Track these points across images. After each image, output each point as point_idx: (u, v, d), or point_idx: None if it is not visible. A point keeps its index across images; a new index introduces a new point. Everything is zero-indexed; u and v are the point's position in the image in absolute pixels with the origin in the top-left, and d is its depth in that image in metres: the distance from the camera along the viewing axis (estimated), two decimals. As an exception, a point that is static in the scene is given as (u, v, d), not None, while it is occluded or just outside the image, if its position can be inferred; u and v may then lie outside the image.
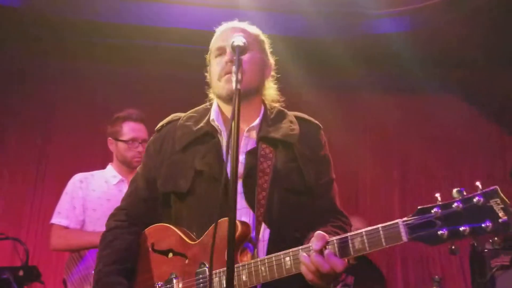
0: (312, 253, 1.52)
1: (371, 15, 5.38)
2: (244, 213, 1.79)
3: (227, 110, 1.98)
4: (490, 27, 5.11)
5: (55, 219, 3.25)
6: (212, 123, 1.94)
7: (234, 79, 1.58)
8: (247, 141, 1.91)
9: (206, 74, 2.10)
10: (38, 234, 5.39)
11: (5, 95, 5.81)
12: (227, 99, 1.91)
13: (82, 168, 3.53)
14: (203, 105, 2.11)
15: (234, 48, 1.66)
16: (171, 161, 1.94)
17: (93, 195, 3.29)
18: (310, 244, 1.55)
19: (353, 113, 6.17)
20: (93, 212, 3.25)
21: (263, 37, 2.07)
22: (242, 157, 1.87)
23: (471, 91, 6.06)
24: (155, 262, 1.88)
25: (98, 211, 3.26)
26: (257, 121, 1.94)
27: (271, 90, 2.07)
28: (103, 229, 3.13)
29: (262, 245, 1.77)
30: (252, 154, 1.87)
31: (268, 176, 1.83)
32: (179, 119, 2.05)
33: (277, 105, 2.08)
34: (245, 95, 1.83)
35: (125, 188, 3.34)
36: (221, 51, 1.95)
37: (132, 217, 2.01)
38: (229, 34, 1.94)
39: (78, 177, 3.37)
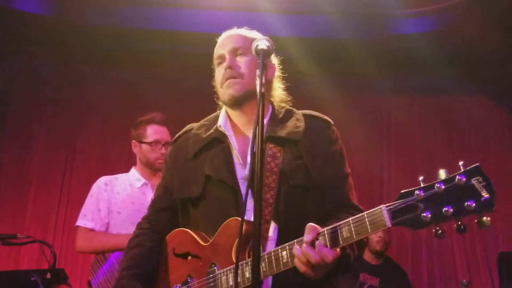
0: (303, 245, 1.54)
1: (392, 16, 5.33)
2: (252, 214, 1.78)
3: (234, 114, 2.03)
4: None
5: (81, 222, 3.29)
6: (220, 128, 1.99)
7: (258, 82, 1.60)
8: (254, 142, 1.91)
9: (213, 83, 2.14)
10: (65, 237, 5.48)
11: (33, 102, 5.94)
12: (230, 104, 1.97)
13: (107, 173, 3.56)
14: (213, 114, 2.16)
15: (258, 52, 1.68)
16: (184, 168, 2.01)
17: (117, 198, 3.32)
18: (304, 237, 1.57)
19: (376, 115, 6.12)
20: (118, 215, 3.28)
21: None
22: (249, 158, 1.88)
23: (496, 91, 5.95)
24: (174, 266, 1.94)
25: (122, 214, 3.28)
26: (265, 121, 1.95)
27: (278, 91, 2.09)
28: (128, 231, 3.17)
29: (271, 243, 1.78)
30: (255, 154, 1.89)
31: (275, 175, 1.85)
32: (192, 129, 2.12)
33: (285, 104, 2.08)
34: (245, 99, 1.93)
35: (148, 191, 3.40)
36: (221, 59, 2.01)
37: (153, 225, 2.09)
38: (226, 41, 2.03)
39: (103, 180, 3.40)
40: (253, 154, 1.52)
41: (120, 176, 3.48)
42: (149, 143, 3.38)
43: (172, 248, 1.97)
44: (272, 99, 2.08)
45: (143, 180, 3.41)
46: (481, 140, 5.98)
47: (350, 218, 1.47)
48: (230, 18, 5.19)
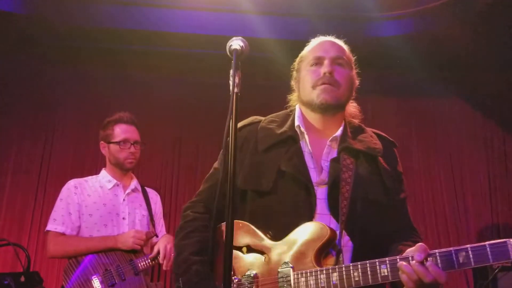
0: (414, 263, 1.57)
1: (370, 18, 5.39)
2: (324, 219, 1.83)
3: (312, 117, 2.06)
4: (493, 29, 5.11)
5: (51, 226, 3.22)
6: (297, 129, 2.01)
7: (231, 82, 1.63)
8: (329, 150, 1.97)
9: (293, 82, 2.17)
10: (40, 240, 5.39)
11: (9, 101, 5.82)
12: (319, 108, 1.99)
13: (83, 176, 3.53)
14: (283, 111, 2.18)
15: (231, 52, 1.70)
16: (253, 160, 1.98)
17: (88, 200, 3.27)
18: (410, 255, 1.60)
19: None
20: (89, 217, 3.23)
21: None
22: (326, 165, 1.93)
23: (470, 92, 6.06)
24: (233, 257, 1.84)
25: (94, 216, 3.23)
26: (339, 132, 2.01)
27: (352, 107, 2.15)
28: (100, 234, 3.17)
29: (344, 251, 1.81)
30: (336, 162, 1.92)
31: (349, 186, 1.87)
32: (260, 121, 2.12)
33: (356, 121, 2.14)
34: (334, 108, 1.99)
35: (120, 192, 3.37)
36: (319, 61, 2.03)
37: (209, 211, 2.02)
38: (329, 46, 2.07)
39: (72, 182, 3.36)
40: (226, 153, 1.55)
41: (90, 178, 3.44)
42: (118, 143, 3.35)
43: (222, 240, 1.90)
44: (345, 113, 2.13)
45: (114, 181, 3.38)
46: (456, 142, 6.08)
47: (469, 246, 1.52)
48: (211, 19, 5.22)
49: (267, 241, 1.85)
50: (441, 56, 5.63)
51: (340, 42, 2.14)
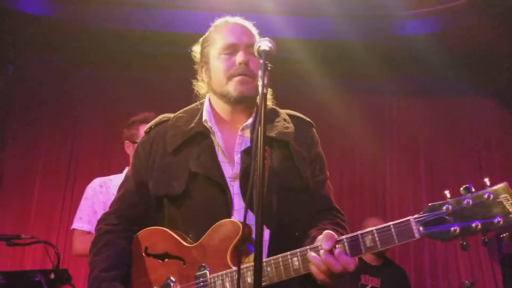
0: (322, 253, 1.51)
1: (395, 17, 5.33)
2: (241, 214, 1.71)
3: (223, 109, 1.94)
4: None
5: (77, 224, 3.23)
6: (205, 124, 1.89)
7: (260, 83, 1.55)
8: (241, 140, 1.87)
9: (195, 66, 2.04)
10: (69, 238, 5.47)
11: (37, 103, 5.95)
12: (235, 100, 1.88)
13: (110, 173, 3.54)
14: (192, 105, 2.06)
15: (260, 52, 1.61)
16: (163, 163, 1.88)
17: (113, 199, 3.30)
18: (319, 244, 1.53)
19: (381, 117, 6.11)
20: None
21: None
22: (237, 157, 1.83)
23: (502, 92, 5.94)
24: (150, 267, 1.81)
25: None
26: (250, 120, 1.90)
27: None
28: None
29: (264, 246, 1.72)
30: (247, 153, 1.81)
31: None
32: (168, 120, 1.99)
33: (269, 103, 2.01)
34: (250, 99, 1.88)
35: None
36: (233, 49, 1.90)
37: (123, 221, 1.93)
38: (241, 32, 1.93)
39: (97, 181, 3.36)
40: (255, 156, 1.45)
41: (114, 177, 3.43)
42: None
43: (145, 247, 1.84)
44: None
45: None
46: (484, 141, 5.97)
47: (374, 228, 1.47)
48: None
49: (184, 246, 1.74)
50: (467, 54, 5.53)
51: (250, 26, 2.00)
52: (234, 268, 1.61)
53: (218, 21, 2.04)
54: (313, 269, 1.52)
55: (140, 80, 5.97)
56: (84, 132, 5.96)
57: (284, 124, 1.92)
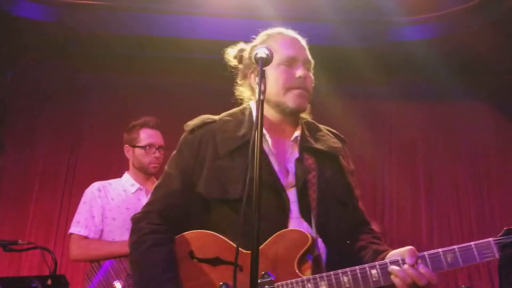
0: (406, 267, 1.57)
1: (393, 23, 5.36)
2: (297, 223, 1.77)
3: (274, 117, 1.95)
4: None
5: (74, 229, 3.21)
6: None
7: (257, 90, 1.58)
8: (291, 151, 1.91)
9: (247, 74, 2.04)
10: (66, 244, 5.46)
11: (34, 108, 5.95)
12: (291, 112, 1.92)
13: (109, 179, 3.54)
14: (236, 109, 2.07)
15: (257, 60, 1.65)
16: (215, 166, 1.85)
17: (112, 203, 3.25)
18: (399, 258, 1.60)
19: (377, 122, 6.13)
20: (112, 221, 3.21)
21: None
22: (291, 166, 1.86)
23: (498, 98, 5.97)
24: (197, 271, 1.76)
25: (117, 220, 3.21)
26: (298, 132, 1.95)
27: None
28: (123, 238, 3.13)
29: (319, 257, 1.76)
30: (301, 162, 1.86)
31: (315, 187, 1.83)
32: (213, 121, 1.98)
33: (308, 117, 2.08)
34: (302, 112, 1.96)
35: (142, 196, 3.34)
36: (293, 62, 1.93)
37: (166, 221, 1.87)
38: (301, 48, 1.98)
39: (96, 185, 3.35)
40: (253, 159, 1.49)
41: (113, 181, 3.42)
42: (143, 147, 3.34)
43: (189, 251, 1.78)
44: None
45: (137, 185, 3.36)
46: (481, 147, 5.99)
47: (456, 247, 1.55)
48: (233, 25, 5.24)
49: (241, 252, 1.67)
50: (464, 60, 5.56)
51: (304, 42, 2.03)
52: (305, 277, 1.63)
53: (272, 31, 2.05)
54: (397, 282, 1.57)
55: (141, 85, 5.98)
56: (83, 137, 5.96)
57: (331, 139, 2.00)
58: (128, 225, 3.19)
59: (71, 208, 5.56)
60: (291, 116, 1.95)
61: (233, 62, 2.13)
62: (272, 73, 1.91)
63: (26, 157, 5.82)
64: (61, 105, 5.97)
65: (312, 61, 2.04)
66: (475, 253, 1.54)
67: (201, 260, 1.76)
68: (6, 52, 5.58)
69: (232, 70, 2.15)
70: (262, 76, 1.59)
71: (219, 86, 6.30)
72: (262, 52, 1.65)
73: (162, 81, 5.97)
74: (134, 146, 3.38)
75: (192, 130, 1.98)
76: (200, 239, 1.80)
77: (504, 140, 5.98)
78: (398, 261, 1.59)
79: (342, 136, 2.11)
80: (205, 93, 5.87)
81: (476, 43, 5.21)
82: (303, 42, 2.03)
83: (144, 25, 5.40)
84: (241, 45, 2.12)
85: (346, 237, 1.86)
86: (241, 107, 2.07)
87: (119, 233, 3.20)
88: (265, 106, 1.91)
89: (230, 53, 2.15)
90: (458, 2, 5.02)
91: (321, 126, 2.08)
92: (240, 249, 1.67)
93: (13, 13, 5.14)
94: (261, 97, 1.56)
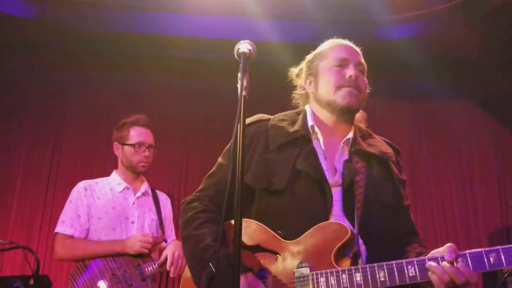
0: (445, 264, 1.55)
1: (379, 22, 5.38)
2: (339, 221, 1.79)
3: (326, 118, 2.02)
4: (504, 31, 5.08)
5: (59, 228, 3.18)
6: (311, 128, 1.97)
7: (239, 85, 1.60)
8: (341, 152, 1.95)
9: (304, 79, 2.12)
10: (49, 244, 5.41)
11: (17, 106, 5.87)
12: (342, 109, 1.96)
13: (92, 178, 3.49)
14: (291, 111, 2.14)
15: (239, 55, 1.67)
16: (263, 158, 1.92)
17: (98, 203, 3.22)
18: (438, 256, 1.58)
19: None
20: (98, 220, 3.18)
21: None
22: (339, 166, 1.91)
23: (485, 96, 6.02)
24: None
25: (103, 220, 3.18)
26: (351, 135, 1.99)
27: (359, 113, 2.15)
28: (108, 237, 3.13)
29: (359, 254, 1.77)
30: (350, 163, 1.91)
31: (362, 189, 1.86)
32: (268, 119, 2.06)
33: (363, 126, 2.14)
34: (354, 112, 2.02)
35: (130, 195, 3.31)
36: (344, 63, 2.01)
37: (216, 205, 1.96)
38: (352, 51, 2.07)
39: (82, 184, 3.31)
40: (235, 155, 1.52)
41: (100, 180, 3.39)
42: (132, 145, 3.30)
43: (231, 237, 1.79)
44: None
45: (125, 184, 3.33)
46: (465, 144, 6.05)
47: (500, 247, 1.52)
48: (221, 23, 5.23)
49: (281, 241, 1.77)
50: (450, 59, 5.61)
51: (359, 49, 2.13)
52: (340, 268, 1.65)
53: (329, 41, 2.17)
54: (434, 278, 1.55)
55: (124, 83, 5.94)
56: (66, 135, 5.88)
57: (383, 145, 2.06)
58: (114, 224, 3.20)
59: (54, 208, 5.51)
60: (343, 115, 2.00)
61: (295, 78, 2.21)
62: (324, 75, 2.03)
63: (7, 156, 5.74)
64: (42, 103, 5.89)
65: (365, 66, 2.10)
66: None
67: (243, 247, 1.77)
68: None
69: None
70: (244, 72, 1.61)
71: (202, 84, 6.33)
72: (244, 47, 1.68)
73: (144, 79, 5.93)
74: (123, 144, 3.34)
75: (247, 126, 2.00)
76: (244, 227, 1.80)
77: (488, 139, 6.04)
78: (437, 258, 1.58)
79: (397, 147, 2.15)
80: (188, 91, 5.86)
81: (463, 42, 5.26)
82: (357, 49, 2.12)
83: (126, 22, 5.35)
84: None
85: (390, 243, 1.85)
86: (296, 110, 2.15)
87: (105, 233, 3.17)
88: (318, 107, 2.06)
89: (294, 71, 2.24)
90: (444, 1, 5.05)
91: (375, 135, 2.14)
92: (280, 238, 1.78)
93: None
94: (244, 93, 1.57)
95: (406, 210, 2.01)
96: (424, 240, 1.99)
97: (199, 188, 2.07)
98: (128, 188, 3.34)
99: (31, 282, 3.41)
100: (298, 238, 1.75)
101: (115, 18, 5.34)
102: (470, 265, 1.53)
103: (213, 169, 2.09)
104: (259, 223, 1.85)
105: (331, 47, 2.10)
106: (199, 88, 5.89)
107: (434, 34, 5.35)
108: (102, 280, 3.02)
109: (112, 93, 5.87)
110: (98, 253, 3.06)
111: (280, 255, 1.76)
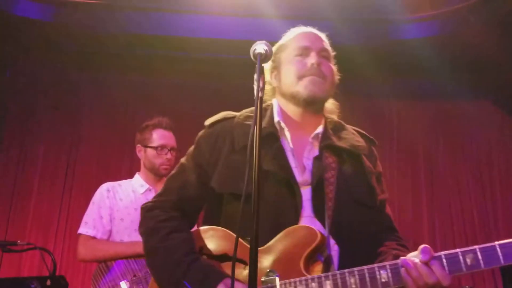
0: (419, 264, 1.47)
1: (394, 21, 5.33)
2: (309, 222, 1.70)
3: (293, 111, 1.92)
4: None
5: (82, 229, 3.22)
6: (277, 125, 1.87)
7: (255, 86, 1.53)
8: (310, 148, 1.86)
9: (269, 73, 2.01)
10: (66, 244, 5.46)
11: (35, 107, 5.94)
12: (304, 101, 1.86)
13: (108, 179, 3.52)
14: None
15: (255, 56, 1.59)
16: (229, 160, 1.82)
17: (120, 204, 3.26)
18: (412, 258, 1.50)
19: (380, 121, 6.10)
20: (121, 222, 3.21)
21: None
22: (308, 163, 1.81)
23: (504, 97, 5.93)
24: None
25: (125, 221, 3.22)
26: (320, 129, 1.89)
27: (330, 103, 2.04)
28: (130, 239, 3.14)
29: (330, 258, 1.68)
30: (319, 160, 1.80)
31: (333, 186, 1.76)
32: (233, 117, 1.96)
33: (335, 117, 2.03)
34: (320, 102, 1.90)
35: (151, 197, 3.34)
36: (306, 51, 1.91)
37: (182, 213, 1.86)
38: (314, 37, 1.96)
39: (105, 186, 3.35)
40: (251, 157, 1.44)
41: (123, 182, 3.42)
42: (155, 148, 3.33)
43: (200, 246, 1.75)
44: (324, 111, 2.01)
45: (147, 186, 3.35)
46: (483, 145, 5.96)
47: (477, 247, 1.43)
48: (235, 24, 5.22)
49: (248, 248, 1.60)
50: (467, 59, 5.52)
51: (323, 35, 2.01)
52: (309, 276, 1.56)
53: (291, 30, 2.06)
54: (408, 280, 1.47)
55: (139, 84, 5.96)
56: (83, 137, 5.93)
57: (355, 138, 1.93)
58: (136, 225, 3.16)
59: (70, 209, 5.56)
60: (309, 107, 1.89)
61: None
62: (286, 66, 1.93)
63: (25, 157, 5.80)
64: (60, 104, 5.94)
65: (331, 51, 2.00)
66: (500, 254, 1.39)
67: (210, 256, 1.73)
68: (5, 51, 5.56)
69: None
70: (261, 73, 1.54)
71: (218, 85, 6.33)
72: (260, 48, 1.60)
73: (160, 80, 5.95)
74: (146, 146, 3.37)
75: (212, 125, 1.98)
76: (211, 235, 1.77)
77: (507, 139, 5.94)
78: (411, 259, 1.50)
79: (371, 137, 2.05)
80: (204, 92, 5.86)
81: (481, 41, 5.17)
82: (321, 35, 2.02)
83: (141, 24, 5.38)
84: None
85: (365, 242, 1.76)
86: (264, 104, 1.99)
87: (127, 234, 3.20)
88: (284, 100, 1.94)
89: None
90: (462, 0, 4.98)
91: (348, 126, 2.02)
92: (245, 244, 1.65)
93: (13, 12, 5.12)
94: (260, 94, 1.51)
95: (382, 206, 1.91)
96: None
97: (160, 191, 1.96)
98: (150, 190, 3.36)
99: (48, 283, 3.42)
100: (267, 245, 1.66)
101: (132, 20, 5.36)
102: (446, 267, 1.45)
103: (175, 170, 1.97)
104: (226, 230, 1.75)
105: (292, 37, 2.00)
106: (215, 89, 5.88)
107: (451, 33, 5.28)
108: (123, 281, 3.04)
109: (128, 95, 5.90)
110: (120, 254, 3.08)
111: (246, 264, 1.61)
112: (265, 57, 1.61)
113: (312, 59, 1.88)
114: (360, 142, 1.92)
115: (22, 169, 5.77)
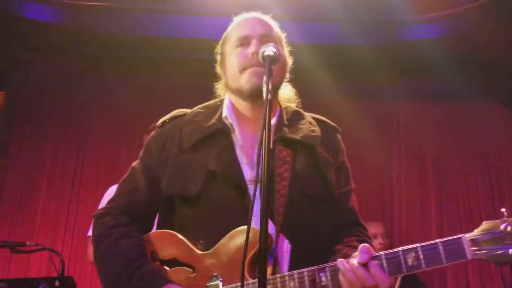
0: (355, 266, 1.39)
1: (403, 22, 5.30)
2: (258, 221, 1.65)
3: (242, 106, 1.82)
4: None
5: (91, 232, 3.25)
6: (225, 120, 1.78)
7: (264, 89, 1.48)
8: (261, 148, 1.79)
9: (218, 67, 1.95)
10: (74, 245, 5.47)
11: (43, 109, 5.96)
12: (248, 94, 1.75)
13: (116, 181, 3.51)
14: (212, 101, 1.94)
15: (264, 58, 1.56)
16: (178, 160, 1.74)
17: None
18: (352, 259, 1.43)
19: (389, 122, 6.07)
20: None
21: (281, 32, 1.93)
22: (255, 158, 1.70)
23: (508, 97, 5.88)
24: None
25: None
26: (273, 121, 1.78)
27: (286, 90, 1.92)
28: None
29: (282, 257, 1.62)
30: (269, 155, 1.65)
31: (286, 181, 1.66)
32: (184, 114, 1.87)
33: (293, 105, 1.92)
34: (259, 91, 1.70)
35: None
36: (246, 41, 1.80)
37: (132, 219, 1.78)
38: (255, 23, 1.84)
39: (113, 188, 3.27)
40: (258, 161, 1.38)
41: None
42: None
43: (150, 251, 1.70)
44: (279, 98, 1.90)
45: None
46: (492, 146, 5.91)
47: (418, 245, 1.34)
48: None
49: (196, 252, 1.60)
50: (477, 59, 5.48)
51: (267, 18, 1.90)
52: (251, 280, 1.51)
53: (235, 18, 1.95)
54: (344, 283, 1.40)
55: (146, 86, 5.96)
56: (90, 139, 5.95)
57: (310, 127, 1.81)
58: None
59: (78, 210, 5.57)
60: (256, 100, 1.74)
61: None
62: (229, 58, 1.83)
63: (32, 159, 5.82)
64: (66, 107, 5.96)
65: (277, 35, 1.85)
66: (442, 253, 1.30)
67: (161, 262, 1.69)
68: (13, 53, 5.58)
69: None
70: (270, 75, 1.50)
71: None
72: (269, 50, 1.57)
73: (167, 82, 5.93)
74: None
75: (162, 124, 1.89)
76: (161, 240, 1.72)
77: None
78: (347, 261, 1.43)
79: (333, 124, 1.92)
80: (211, 93, 5.85)
81: (490, 41, 5.13)
82: (264, 18, 1.89)
83: (147, 26, 5.38)
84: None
85: (320, 238, 1.67)
86: (217, 99, 1.94)
87: None
88: (232, 95, 1.85)
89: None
90: (471, 0, 4.95)
91: (307, 114, 1.90)
92: (196, 250, 1.61)
93: (21, 14, 5.14)
94: (269, 96, 1.46)
95: (344, 198, 1.81)
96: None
97: (112, 196, 1.88)
98: None
99: (56, 283, 3.44)
100: (212, 249, 1.60)
101: (138, 23, 5.37)
102: (386, 269, 1.36)
103: (126, 174, 1.90)
104: (176, 234, 1.68)
105: (232, 27, 1.89)
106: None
107: (461, 34, 5.24)
108: None
109: (135, 97, 5.90)
110: None
111: (194, 268, 1.61)
112: (274, 59, 1.56)
113: (252, 48, 1.75)
114: (315, 132, 1.80)
115: (30, 171, 5.78)
